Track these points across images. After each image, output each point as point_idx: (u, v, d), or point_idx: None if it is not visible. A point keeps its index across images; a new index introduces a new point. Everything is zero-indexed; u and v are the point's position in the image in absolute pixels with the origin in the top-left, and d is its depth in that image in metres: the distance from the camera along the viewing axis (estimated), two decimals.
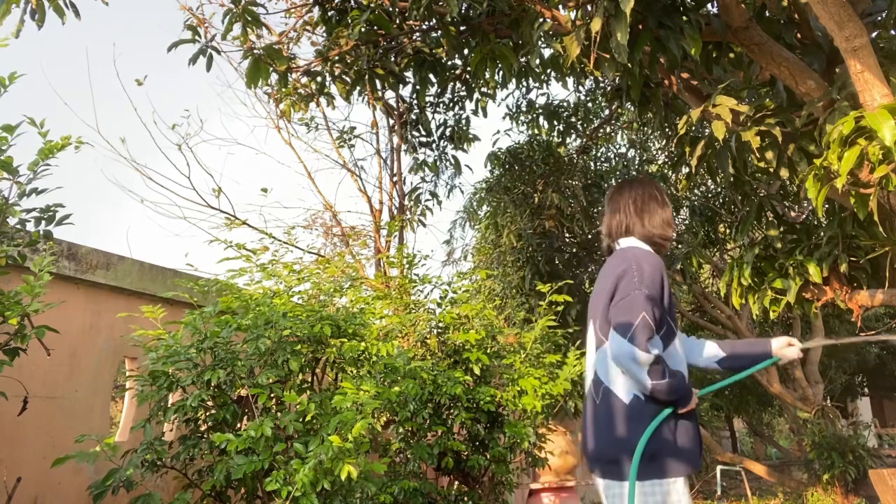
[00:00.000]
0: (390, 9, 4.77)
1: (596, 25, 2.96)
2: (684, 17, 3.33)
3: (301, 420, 2.74)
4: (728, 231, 8.88)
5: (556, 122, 8.19)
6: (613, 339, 2.07)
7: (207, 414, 2.92)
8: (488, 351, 4.20)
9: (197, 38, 4.35)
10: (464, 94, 6.39)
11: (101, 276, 3.35)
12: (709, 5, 3.87)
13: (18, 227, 2.57)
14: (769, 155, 3.44)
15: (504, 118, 8.63)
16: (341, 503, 2.67)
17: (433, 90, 6.32)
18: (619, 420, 2.12)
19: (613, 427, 2.11)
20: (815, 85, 3.28)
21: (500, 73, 5.01)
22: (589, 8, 3.36)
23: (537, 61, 4.03)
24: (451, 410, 3.95)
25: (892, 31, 3.45)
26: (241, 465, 2.57)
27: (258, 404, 2.81)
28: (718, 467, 8.21)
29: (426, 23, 4.88)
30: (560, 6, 3.82)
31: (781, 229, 4.23)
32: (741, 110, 3.22)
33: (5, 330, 2.40)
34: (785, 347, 2.34)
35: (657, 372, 2.02)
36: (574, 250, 8.95)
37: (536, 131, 8.67)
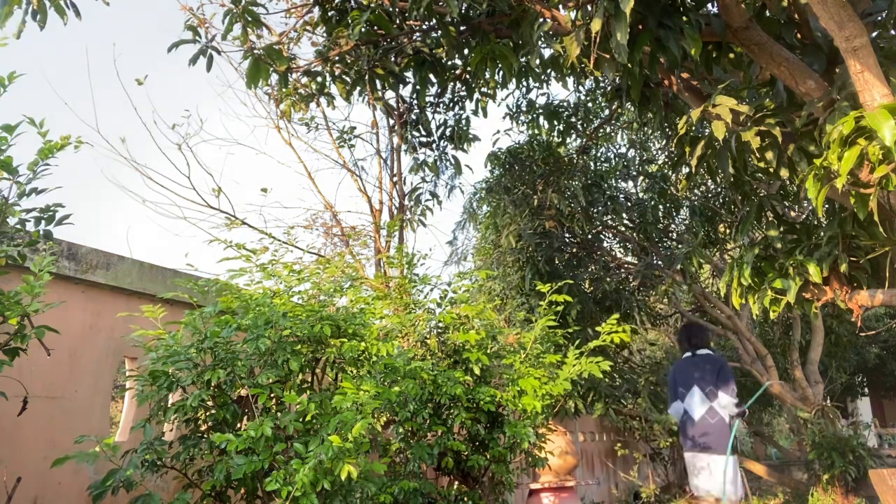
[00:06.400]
0: (390, 9, 4.77)
1: (596, 25, 2.96)
2: (684, 17, 3.33)
3: (301, 420, 2.74)
4: (728, 231, 8.88)
5: (556, 122, 8.18)
6: None
7: (207, 414, 2.92)
8: (488, 351, 4.20)
9: (197, 38, 4.35)
10: (464, 94, 6.39)
11: (101, 276, 3.35)
12: (709, 5, 3.87)
13: (18, 227, 2.56)
14: (769, 155, 3.44)
15: (504, 118, 8.63)
16: (341, 503, 2.67)
17: (433, 90, 6.31)
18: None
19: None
20: (815, 85, 3.28)
21: (500, 73, 5.01)
22: (589, 8, 3.36)
23: (537, 61, 4.03)
24: (451, 410, 3.95)
25: (892, 31, 3.45)
26: (241, 465, 2.57)
27: (258, 404, 2.81)
28: None
29: (426, 23, 4.88)
30: (560, 6, 3.82)
31: (781, 229, 4.22)
32: (741, 110, 3.22)
33: (5, 330, 2.40)
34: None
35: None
36: (574, 250, 8.95)
37: (536, 131, 8.65)
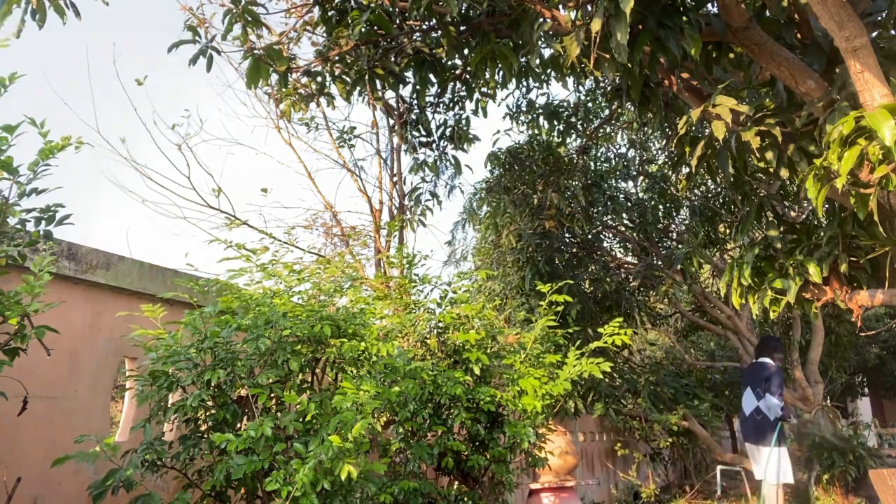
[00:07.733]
0: (390, 9, 4.77)
1: (596, 25, 2.96)
2: (684, 17, 3.33)
3: (301, 420, 2.74)
4: (728, 231, 8.88)
5: (556, 122, 8.18)
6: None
7: (207, 414, 2.92)
8: (488, 351, 4.20)
9: (197, 38, 4.35)
10: (464, 94, 6.38)
11: (101, 276, 3.34)
12: (709, 5, 3.87)
13: (18, 227, 2.56)
14: (769, 155, 3.44)
15: (504, 118, 8.62)
16: (341, 503, 2.67)
17: (433, 90, 6.31)
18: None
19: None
20: (815, 85, 3.28)
21: (500, 73, 5.01)
22: (589, 8, 3.36)
23: (537, 61, 4.03)
24: (451, 410, 3.95)
25: (892, 31, 3.45)
26: (241, 465, 2.57)
27: (258, 404, 2.81)
28: (718, 467, 8.22)
29: (426, 23, 4.88)
30: (560, 6, 3.82)
31: (781, 229, 4.22)
32: (741, 110, 3.22)
33: (5, 330, 2.40)
34: None
35: None
36: (574, 250, 8.95)
37: (536, 131, 8.65)
